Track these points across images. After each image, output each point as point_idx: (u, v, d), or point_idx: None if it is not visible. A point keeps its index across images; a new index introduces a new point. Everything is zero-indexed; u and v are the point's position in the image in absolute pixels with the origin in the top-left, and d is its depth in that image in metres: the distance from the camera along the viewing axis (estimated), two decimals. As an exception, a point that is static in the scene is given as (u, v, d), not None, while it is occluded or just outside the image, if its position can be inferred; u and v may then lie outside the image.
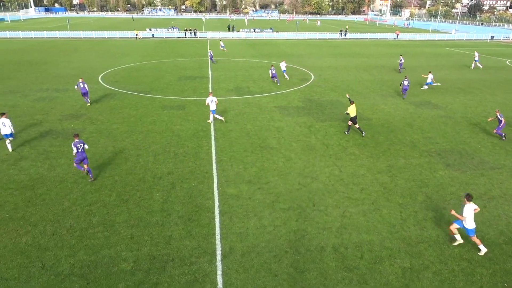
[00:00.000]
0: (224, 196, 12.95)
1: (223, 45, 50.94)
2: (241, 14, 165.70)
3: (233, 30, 76.74)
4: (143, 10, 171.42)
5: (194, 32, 70.70)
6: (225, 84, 30.09)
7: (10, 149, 16.48)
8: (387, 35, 78.22)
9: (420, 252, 10.35)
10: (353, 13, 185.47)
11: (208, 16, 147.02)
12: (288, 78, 32.33)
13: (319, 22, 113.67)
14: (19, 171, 14.60)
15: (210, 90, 23.47)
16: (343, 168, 15.41)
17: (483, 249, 10.25)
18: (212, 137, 18.51)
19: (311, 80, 32.50)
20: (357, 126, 19.01)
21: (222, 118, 20.71)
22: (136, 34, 66.44)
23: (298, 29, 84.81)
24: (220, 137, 18.42)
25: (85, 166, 13.86)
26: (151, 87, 28.62)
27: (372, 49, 56.66)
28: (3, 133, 16.32)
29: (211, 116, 20.35)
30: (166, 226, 11.24)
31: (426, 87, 29.71)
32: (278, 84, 30.07)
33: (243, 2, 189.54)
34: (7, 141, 16.50)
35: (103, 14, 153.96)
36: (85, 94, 23.32)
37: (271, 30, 79.93)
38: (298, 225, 11.43)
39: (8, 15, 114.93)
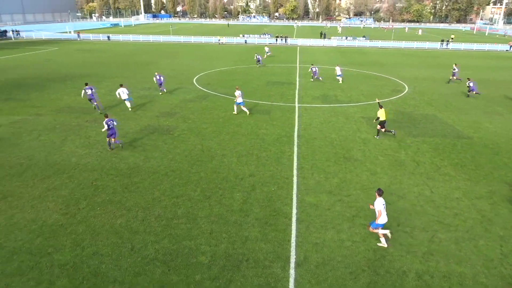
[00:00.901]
0: (302, 204, 12.82)
1: (267, 50, 51.75)
2: (334, 21, 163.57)
3: (324, 38, 76.07)
4: (238, 17, 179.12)
5: (285, 39, 71.68)
6: (312, 91, 29.90)
7: (129, 107, 23.73)
8: (497, 46, 70.38)
9: (523, 294, 9.03)
10: (458, 21, 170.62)
11: (300, 23, 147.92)
12: (340, 82, 33.47)
13: (420, 31, 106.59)
14: (119, 160, 16.24)
15: (237, 86, 25.50)
16: (435, 189, 14.18)
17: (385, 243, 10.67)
18: (295, 143, 18.50)
19: (405, 92, 30.64)
20: (383, 130, 19.35)
21: (247, 111, 23.07)
22: (219, 40, 69.97)
23: (394, 37, 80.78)
24: (303, 144, 18.32)
25: (113, 139, 17.06)
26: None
27: (478, 61, 51.43)
28: (123, 98, 23.30)
29: (236, 107, 23.25)
30: (244, 226, 11.49)
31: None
32: (319, 79, 33.66)
33: (336, 10, 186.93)
34: (128, 103, 23.64)
35: (202, 21, 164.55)
36: (160, 84, 28.31)
37: (364, 38, 77.42)
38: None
39: (122, 21, 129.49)
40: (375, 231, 10.85)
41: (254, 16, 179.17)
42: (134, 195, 13.25)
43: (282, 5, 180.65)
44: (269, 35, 79.27)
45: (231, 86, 31.27)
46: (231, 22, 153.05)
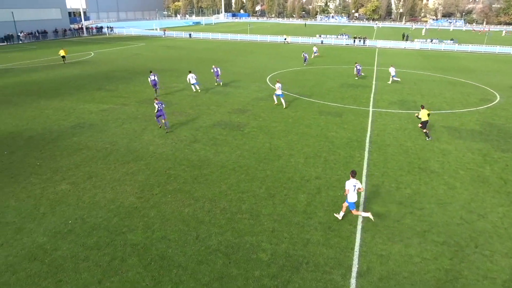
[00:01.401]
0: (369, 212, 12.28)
1: (315, 50, 50.27)
2: (419, 22, 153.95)
3: (407, 40, 72.01)
4: (316, 17, 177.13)
5: (364, 40, 69.24)
6: (388, 96, 28.50)
7: (198, 89, 28.33)
8: None
9: None
10: None
11: (381, 24, 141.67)
12: (389, 83, 33.22)
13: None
14: (191, 152, 17.03)
15: (278, 79, 28.05)
16: (523, 211, 12.67)
17: (369, 215, 11.47)
18: (366, 149, 17.79)
19: (496, 101, 27.80)
20: (424, 130, 19.40)
21: (284, 103, 24.45)
22: (285, 39, 69.89)
23: (487, 41, 73.68)
24: (375, 151, 17.55)
25: (163, 120, 19.48)
26: (312, 92, 29.34)
27: None
28: (191, 82, 27.85)
29: (276, 98, 24.96)
30: (306, 228, 11.35)
31: None
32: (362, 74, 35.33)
33: (422, 10, 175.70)
34: (197, 87, 28.16)
35: (279, 20, 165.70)
36: (217, 76, 31.04)
37: (452, 42, 71.74)
38: (452, 265, 9.94)
39: (203, 20, 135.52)
40: (357, 213, 11.73)
41: (332, 16, 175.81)
42: (202, 187, 13.80)
43: (362, 5, 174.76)
44: (346, 36, 77.21)
45: (303, 86, 31.06)
46: (309, 22, 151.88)
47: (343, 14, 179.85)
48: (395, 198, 13.28)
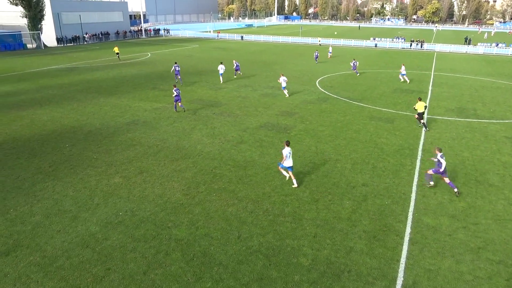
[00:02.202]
0: (418, 224, 11.69)
1: (330, 50, 52.00)
2: (483, 25, 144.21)
3: (469, 44, 67.78)
4: (371, 20, 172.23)
5: (421, 44, 66.17)
6: (446, 103, 26.97)
7: (221, 81, 32.68)
8: None
9: None
10: None
11: (441, 27, 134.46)
12: (408, 81, 33.88)
13: None
14: (238, 152, 17.26)
15: (281, 73, 30.66)
16: None
17: (295, 184, 13.84)
18: (419, 157, 16.96)
19: None
20: (422, 121, 20.53)
21: (287, 94, 27.68)
22: (319, 41, 70.46)
23: (562, 46, 67.21)
24: (428, 160, 16.67)
25: (179, 103, 23.16)
26: (363, 96, 28.55)
27: None
28: (221, 72, 32.31)
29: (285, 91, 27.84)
30: (350, 236, 11.04)
31: None
32: (357, 73, 37.87)
33: (488, 12, 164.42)
34: (221, 78, 32.79)
35: (332, 23, 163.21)
36: (236, 70, 34.96)
37: (520, 46, 66.29)
38: (508, 286, 9.17)
39: (255, 22, 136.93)
40: (280, 169, 14.31)
41: (388, 19, 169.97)
42: (246, 187, 13.92)
43: (422, 7, 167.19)
44: (402, 39, 74.25)
45: (354, 90, 30.32)
46: (363, 24, 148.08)
47: (399, 16, 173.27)
48: (448, 210, 12.52)
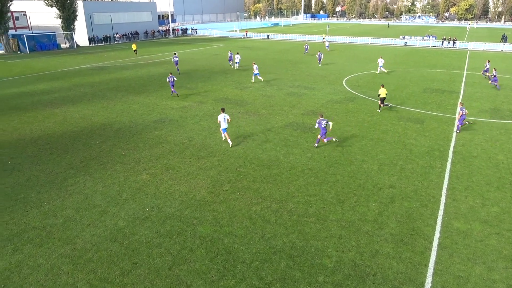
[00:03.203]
0: (448, 229, 11.32)
1: (327, 45, 56.86)
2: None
3: (505, 42, 64.96)
4: (401, 17, 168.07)
5: (453, 42, 63.99)
6: (479, 103, 25.96)
7: (234, 67, 37.35)
8: None
9: None
10: None
11: (475, 24, 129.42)
12: (379, 72, 36.78)
13: None
14: (262, 151, 17.26)
15: (253, 61, 35.30)
16: None
17: (230, 143, 17.56)
18: (449, 159, 16.41)
19: None
20: (382, 104, 23.61)
21: (261, 78, 31.93)
22: (323, 38, 69.88)
23: None
24: (459, 162, 16.11)
25: (172, 89, 27.18)
26: (391, 96, 27.90)
27: None
28: (236, 61, 38.41)
29: (254, 77, 32.29)
30: (376, 239, 10.82)
31: None
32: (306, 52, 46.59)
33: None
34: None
35: (360, 21, 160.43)
36: (235, 62, 38.84)
37: (561, 44, 62.92)
38: (546, 297, 8.73)
39: (282, 21, 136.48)
40: (225, 135, 17.70)
41: (418, 16, 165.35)
42: (270, 186, 13.91)
43: (454, 4, 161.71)
44: (433, 37, 72.05)
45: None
46: (392, 22, 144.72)
47: (431, 14, 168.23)
48: (480, 215, 12.05)
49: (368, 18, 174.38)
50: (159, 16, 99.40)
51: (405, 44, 66.77)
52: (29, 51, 56.16)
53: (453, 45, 63.50)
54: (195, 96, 27.87)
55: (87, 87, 31.49)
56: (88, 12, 68.23)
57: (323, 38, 69.48)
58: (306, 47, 53.39)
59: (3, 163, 16.08)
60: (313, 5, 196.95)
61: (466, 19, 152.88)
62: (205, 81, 33.35)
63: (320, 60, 42.12)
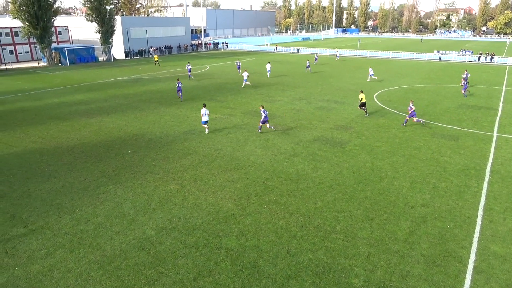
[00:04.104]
0: (484, 252, 10.73)
1: (316, 57, 56.93)
2: None
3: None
4: (435, 32, 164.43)
5: (491, 57, 61.76)
6: (518, 120, 24.77)
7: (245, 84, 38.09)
8: None
9: None
10: None
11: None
12: (373, 80, 39.04)
13: None
14: (290, 165, 17.15)
15: (246, 69, 40.40)
16: None
17: (207, 131, 21.98)
18: (486, 179, 15.67)
19: None
20: (363, 108, 25.60)
21: (249, 83, 36.63)
22: (336, 52, 68.66)
23: None
24: (497, 181, 15.34)
25: (180, 94, 30.73)
26: (424, 111, 27.16)
27: None
28: (268, 69, 42.70)
29: (244, 83, 36.61)
30: (407, 259, 10.41)
31: None
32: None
33: None
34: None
35: (392, 35, 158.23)
36: (238, 68, 44.50)
37: None
38: None
39: (312, 35, 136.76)
40: (205, 126, 21.64)
41: (454, 31, 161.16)
42: (297, 201, 13.75)
43: (492, 18, 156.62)
44: (469, 52, 69.86)
45: (415, 105, 28.89)
46: (426, 36, 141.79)
47: (467, 28, 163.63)
48: (520, 239, 11.36)
49: (401, 32, 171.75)
50: (192, 30, 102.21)
51: (440, 59, 65.10)
52: (69, 64, 59.04)
53: (491, 60, 61.27)
54: (225, 108, 28.23)
55: (121, 98, 32.63)
56: (126, 27, 71.16)
57: (336, 51, 69.20)
58: (316, 57, 56.90)
59: (41, 170, 16.82)
60: (344, 19, 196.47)
61: (505, 34, 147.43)
62: (235, 94, 33.76)
63: (308, 67, 47.15)
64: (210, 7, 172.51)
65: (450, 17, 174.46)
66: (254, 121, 24.44)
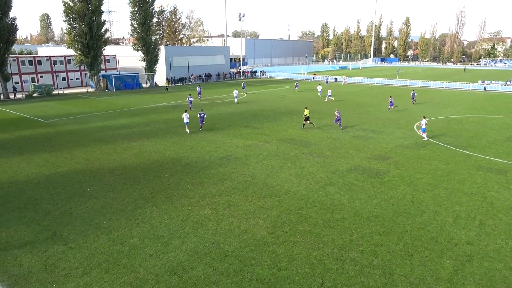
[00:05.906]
0: (540, 298, 9.78)
1: (320, 89, 53.51)
2: None
3: None
4: (479, 61, 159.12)
5: (542, 88, 58.53)
6: None
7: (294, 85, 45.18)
8: None
9: None
10: None
11: None
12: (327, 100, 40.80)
13: None
14: (325, 194, 16.78)
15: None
16: None
17: (188, 131, 28.45)
18: (540, 217, 14.50)
19: None
20: (308, 121, 30.16)
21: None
22: (343, 78, 71.42)
23: None
24: None
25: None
26: (468, 143, 25.94)
27: None
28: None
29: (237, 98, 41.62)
30: (450, 301, 9.68)
31: None
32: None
33: None
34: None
35: (433, 64, 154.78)
36: (243, 88, 46.06)
37: None
38: None
39: (350, 64, 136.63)
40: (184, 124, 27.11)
41: (500, 60, 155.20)
42: (333, 232, 13.34)
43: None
44: (517, 82, 66.65)
45: (458, 136, 27.78)
46: (469, 66, 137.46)
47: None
48: None
49: (442, 62, 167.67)
50: (231, 59, 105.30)
51: (485, 89, 62.59)
52: (115, 90, 62.33)
53: (542, 91, 57.98)
54: (260, 135, 28.42)
55: (161, 123, 33.80)
56: (168, 56, 74.59)
57: (343, 78, 71.94)
58: (321, 86, 55.22)
59: (83, 190, 17.53)
60: (383, 49, 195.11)
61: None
62: (271, 121, 33.99)
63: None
64: (249, 37, 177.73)
65: (496, 46, 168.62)
66: (289, 149, 24.35)
